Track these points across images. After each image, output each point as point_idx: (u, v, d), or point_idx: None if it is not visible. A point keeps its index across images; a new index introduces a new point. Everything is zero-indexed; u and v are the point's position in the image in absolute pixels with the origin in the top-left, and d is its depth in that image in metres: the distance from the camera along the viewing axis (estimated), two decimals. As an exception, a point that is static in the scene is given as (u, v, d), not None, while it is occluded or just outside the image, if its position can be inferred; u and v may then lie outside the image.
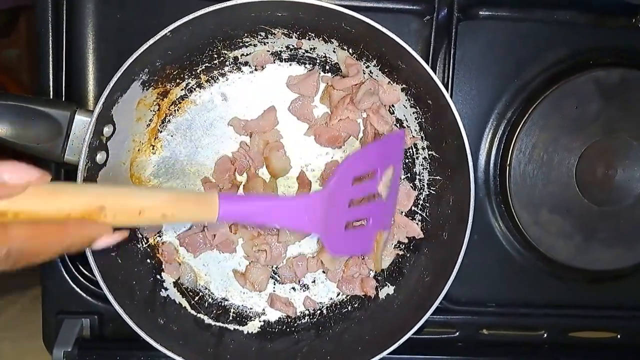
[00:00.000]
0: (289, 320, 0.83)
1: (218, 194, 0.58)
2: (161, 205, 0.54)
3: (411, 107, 0.78)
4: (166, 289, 0.81)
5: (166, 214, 0.54)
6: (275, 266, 0.82)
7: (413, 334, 0.74)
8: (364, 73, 0.78)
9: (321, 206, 0.65)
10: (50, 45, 0.76)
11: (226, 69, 0.78)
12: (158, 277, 0.80)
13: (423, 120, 0.78)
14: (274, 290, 0.83)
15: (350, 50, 0.76)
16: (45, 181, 0.49)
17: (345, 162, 0.67)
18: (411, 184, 0.81)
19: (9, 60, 1.26)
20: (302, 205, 0.64)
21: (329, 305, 0.83)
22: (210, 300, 0.82)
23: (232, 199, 0.62)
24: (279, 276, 0.82)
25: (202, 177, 0.80)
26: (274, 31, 0.75)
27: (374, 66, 0.77)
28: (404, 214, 0.81)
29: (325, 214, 0.66)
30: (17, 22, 1.26)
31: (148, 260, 0.80)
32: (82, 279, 0.82)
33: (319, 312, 0.83)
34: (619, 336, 0.89)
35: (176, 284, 0.81)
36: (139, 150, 0.78)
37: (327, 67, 0.79)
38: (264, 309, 0.83)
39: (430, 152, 0.79)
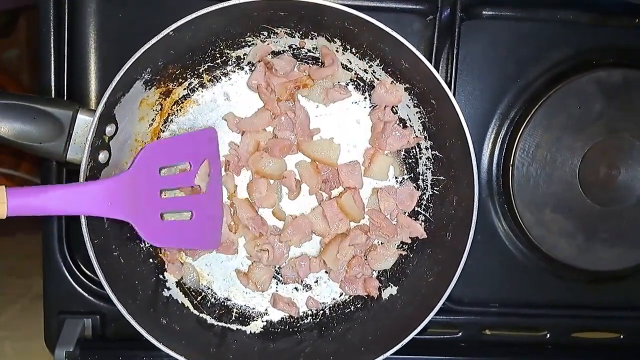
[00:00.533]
0: (292, 320, 0.83)
1: (5, 188, 0.59)
2: None
3: (414, 106, 0.78)
4: (169, 289, 0.80)
5: None
6: (277, 266, 0.82)
7: (416, 335, 0.74)
8: (367, 72, 0.78)
9: (123, 192, 0.66)
10: (52, 44, 0.76)
11: (229, 68, 0.78)
12: (160, 277, 0.80)
13: (426, 119, 0.78)
14: (276, 290, 0.83)
15: (354, 50, 0.76)
16: None
17: (146, 147, 0.70)
18: (414, 184, 0.81)
19: (9, 60, 1.26)
20: (99, 190, 0.65)
21: (331, 305, 0.83)
22: (212, 300, 0.82)
23: (22, 192, 0.61)
24: (281, 276, 0.82)
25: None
26: (276, 30, 0.75)
27: (377, 66, 0.77)
28: (407, 214, 0.81)
29: (132, 201, 0.67)
30: (16, 23, 1.26)
31: (150, 260, 0.80)
32: (83, 279, 0.82)
33: (321, 312, 0.83)
34: (622, 336, 0.89)
35: (179, 283, 0.81)
36: (141, 149, 0.77)
37: (330, 67, 0.79)
38: (266, 309, 0.83)
39: (433, 152, 0.79)
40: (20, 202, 0.59)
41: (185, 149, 0.74)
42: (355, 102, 0.80)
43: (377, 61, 0.76)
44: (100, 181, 0.68)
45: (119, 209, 0.66)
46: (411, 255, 0.82)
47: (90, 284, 0.82)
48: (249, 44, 0.76)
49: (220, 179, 0.79)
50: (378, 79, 0.78)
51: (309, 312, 0.83)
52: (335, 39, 0.75)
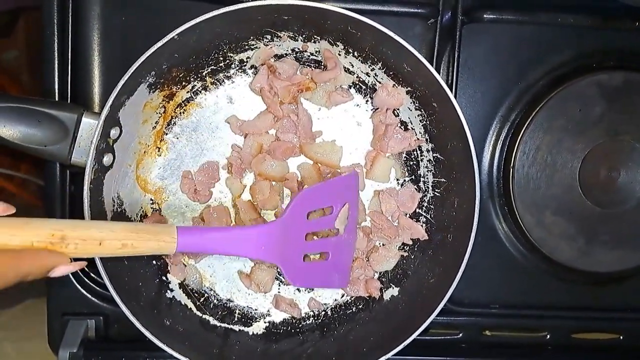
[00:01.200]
0: (294, 321, 0.83)
1: (177, 227, 0.62)
2: (121, 236, 0.58)
3: (416, 109, 0.78)
4: (172, 290, 0.81)
5: (126, 244, 0.58)
6: (279, 268, 0.83)
7: (417, 336, 0.74)
8: (369, 76, 0.79)
9: (276, 236, 0.71)
10: (56, 48, 0.77)
11: (232, 71, 0.79)
12: (164, 278, 0.81)
13: (428, 122, 0.78)
14: (278, 292, 0.83)
15: (356, 53, 0.76)
16: (9, 212, 0.54)
17: (299, 195, 0.73)
18: (416, 186, 0.82)
19: (9, 61, 1.26)
20: (256, 235, 0.70)
21: (333, 306, 0.84)
22: (215, 301, 0.83)
23: (190, 231, 0.66)
24: (283, 277, 0.83)
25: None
26: (279, 34, 0.75)
27: (379, 69, 0.77)
28: (408, 215, 0.82)
29: (281, 245, 0.71)
30: (16, 24, 1.26)
31: (154, 262, 0.80)
32: (87, 280, 0.82)
33: (323, 313, 0.84)
34: (621, 338, 0.89)
35: (182, 285, 0.81)
36: (144, 152, 0.78)
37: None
38: (268, 310, 0.83)
39: (434, 155, 0.79)
40: (188, 241, 0.64)
41: (331, 193, 0.77)
42: (357, 105, 0.80)
43: (379, 64, 0.77)
44: (258, 227, 0.72)
45: (271, 253, 0.71)
46: (412, 257, 0.82)
47: (93, 286, 0.82)
48: (253, 47, 0.77)
49: (356, 222, 0.81)
50: (380, 82, 0.78)
51: (311, 313, 0.84)
52: (338, 43, 0.76)
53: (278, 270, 0.83)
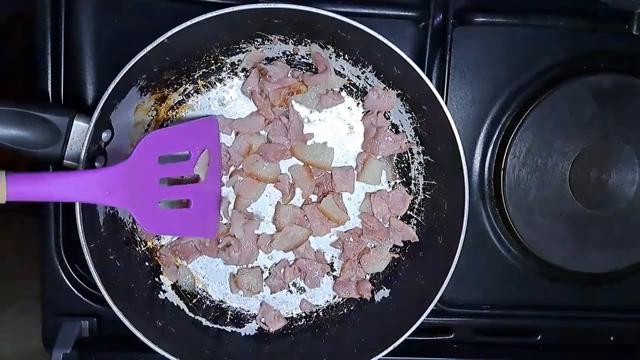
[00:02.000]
0: (286, 322, 0.83)
1: (5, 173, 0.60)
2: None
3: (406, 112, 0.79)
4: (164, 292, 0.81)
5: None
6: (267, 269, 0.83)
7: (408, 336, 0.75)
8: (359, 79, 0.79)
9: (122, 180, 0.67)
10: (49, 50, 0.77)
11: (223, 74, 0.79)
12: (156, 279, 0.81)
13: (418, 125, 0.78)
14: (270, 293, 0.83)
15: (347, 56, 0.77)
16: None
17: (145, 137, 0.70)
18: (407, 189, 0.82)
19: (6, 63, 1.26)
20: (98, 178, 0.66)
21: (325, 307, 0.84)
22: (208, 302, 0.83)
23: (21, 177, 0.62)
24: (270, 287, 0.83)
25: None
26: (270, 37, 0.76)
27: (369, 72, 0.77)
28: (399, 218, 0.82)
29: (130, 189, 0.68)
30: (14, 26, 1.26)
31: (146, 263, 0.81)
32: (81, 282, 0.83)
33: (315, 314, 0.84)
34: (612, 338, 0.90)
35: (174, 286, 0.82)
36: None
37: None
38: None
39: (425, 157, 0.80)
40: (20, 189, 0.61)
41: (186, 138, 0.74)
42: (349, 108, 0.81)
43: (370, 67, 0.77)
44: (100, 170, 0.69)
45: (117, 197, 0.67)
46: (403, 259, 0.83)
47: (87, 287, 0.83)
48: (244, 50, 0.77)
49: (220, 168, 0.79)
50: (371, 85, 0.79)
51: (303, 314, 0.84)
52: (329, 46, 0.76)
53: (262, 270, 0.83)
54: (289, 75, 0.79)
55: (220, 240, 0.81)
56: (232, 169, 0.81)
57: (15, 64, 1.26)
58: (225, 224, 0.81)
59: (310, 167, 0.81)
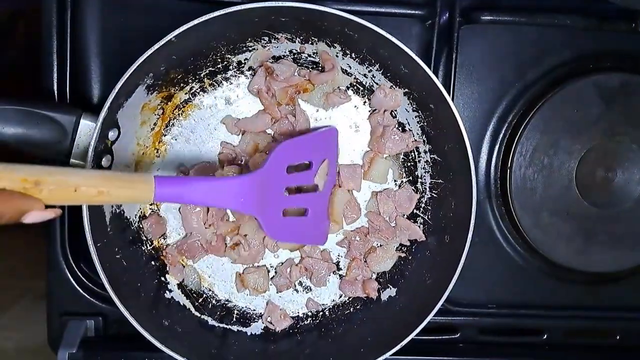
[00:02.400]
0: (292, 321, 0.83)
1: (155, 176, 0.61)
2: (97, 182, 0.57)
3: (413, 111, 0.79)
4: (170, 291, 0.81)
5: (102, 191, 0.57)
6: (273, 268, 0.83)
7: (414, 336, 0.75)
8: (366, 77, 0.79)
9: (256, 188, 0.69)
10: (55, 49, 0.77)
11: (230, 73, 0.79)
12: (162, 279, 0.81)
13: (425, 124, 0.78)
14: (276, 292, 0.83)
15: (354, 55, 0.77)
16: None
17: (279, 146, 0.71)
18: (413, 187, 0.82)
19: (8, 62, 1.26)
20: (236, 185, 0.67)
21: (331, 306, 0.84)
22: (214, 301, 0.83)
23: (168, 180, 0.64)
24: (276, 286, 0.83)
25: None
26: (277, 36, 0.75)
27: (376, 70, 0.77)
28: (405, 216, 0.82)
29: (260, 197, 0.70)
30: (16, 24, 1.26)
31: (152, 263, 0.81)
32: (86, 281, 0.83)
33: (321, 313, 0.84)
34: (618, 338, 0.90)
35: (180, 285, 0.82)
36: (143, 153, 0.78)
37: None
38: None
39: (432, 156, 0.80)
40: (166, 191, 0.62)
41: (310, 148, 0.76)
42: (355, 106, 0.81)
43: (377, 66, 0.77)
44: (238, 177, 0.70)
45: (250, 205, 0.69)
46: (410, 258, 0.83)
47: (92, 286, 0.83)
48: (250, 49, 0.77)
49: (335, 178, 0.80)
50: (377, 84, 0.79)
51: (309, 314, 0.84)
52: (336, 44, 0.76)
53: (268, 269, 0.83)
54: (296, 73, 0.79)
55: (229, 239, 0.81)
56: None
57: (16, 63, 1.26)
58: (232, 222, 0.81)
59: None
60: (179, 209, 0.81)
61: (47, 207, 0.54)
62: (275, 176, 0.72)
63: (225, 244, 0.82)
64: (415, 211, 0.82)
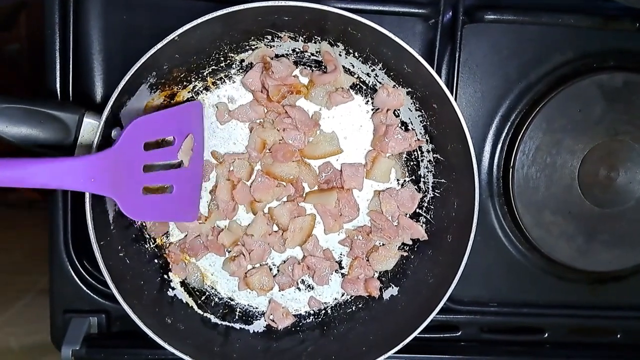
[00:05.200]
0: (294, 319, 0.84)
1: None
2: None
3: (416, 110, 0.79)
4: (173, 289, 0.81)
5: None
6: (276, 267, 0.84)
7: (416, 334, 0.75)
8: (369, 76, 0.79)
9: (108, 167, 0.66)
10: (58, 47, 0.77)
11: (232, 71, 0.79)
12: (165, 277, 0.81)
13: (428, 123, 0.78)
14: (279, 291, 0.83)
15: (356, 54, 0.76)
16: None
17: (131, 123, 0.68)
18: (416, 187, 0.82)
19: (10, 54, 1.26)
20: (85, 165, 0.64)
21: (333, 305, 0.84)
22: (216, 299, 0.83)
23: (4, 162, 0.60)
24: (279, 285, 0.83)
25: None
26: (280, 34, 0.75)
27: (379, 69, 0.77)
28: (408, 215, 0.82)
29: (115, 177, 0.67)
30: (18, 17, 1.26)
31: (155, 261, 0.81)
32: (89, 278, 0.83)
33: (323, 312, 0.84)
34: (619, 336, 0.90)
35: (183, 283, 0.82)
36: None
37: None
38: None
39: (435, 155, 0.80)
40: (3, 174, 0.59)
41: (171, 123, 0.74)
42: (358, 106, 0.81)
43: (380, 65, 0.77)
44: (84, 157, 0.66)
45: (101, 185, 0.66)
46: (412, 257, 0.83)
47: (95, 283, 0.83)
48: (253, 47, 0.77)
49: (202, 153, 0.79)
50: (380, 83, 0.79)
51: (311, 312, 0.84)
52: (338, 43, 0.76)
53: (270, 267, 0.83)
54: (298, 73, 0.79)
55: (230, 250, 0.81)
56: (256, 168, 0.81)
57: (18, 57, 1.26)
58: (233, 233, 0.81)
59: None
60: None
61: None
62: (130, 154, 0.69)
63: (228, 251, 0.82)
64: (417, 210, 0.82)
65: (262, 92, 0.78)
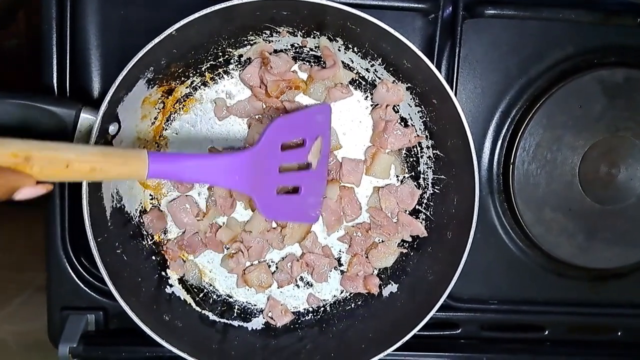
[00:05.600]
0: (293, 317, 0.83)
1: (148, 152, 0.60)
2: (89, 158, 0.55)
3: (416, 106, 0.78)
4: (171, 286, 0.81)
5: (95, 168, 0.55)
6: (274, 264, 0.83)
7: (416, 332, 0.75)
8: (368, 72, 0.78)
9: (250, 166, 0.68)
10: (55, 43, 0.76)
11: (231, 67, 0.78)
12: (163, 273, 0.81)
13: (428, 119, 0.78)
14: (277, 288, 0.83)
15: (356, 49, 0.76)
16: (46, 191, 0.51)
17: (273, 123, 0.70)
18: (415, 183, 0.81)
19: (9, 50, 1.26)
20: (230, 163, 0.67)
21: (332, 302, 0.84)
22: (214, 296, 0.83)
23: (161, 156, 0.63)
24: (277, 282, 0.83)
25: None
26: (278, 29, 0.75)
27: (379, 65, 0.77)
28: (407, 212, 0.82)
29: (255, 175, 0.69)
30: (16, 13, 1.26)
31: (153, 257, 0.80)
32: (86, 275, 0.83)
33: (322, 309, 0.84)
34: (619, 334, 0.90)
35: (181, 280, 0.82)
36: (144, 147, 0.78)
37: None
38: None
39: (434, 151, 0.79)
40: (160, 167, 0.60)
41: (304, 125, 0.75)
42: (357, 101, 0.80)
43: (379, 60, 0.76)
44: (233, 154, 0.68)
45: (244, 183, 0.68)
46: (412, 254, 0.82)
47: (93, 280, 0.82)
48: (252, 42, 0.76)
49: (329, 156, 0.79)
50: (380, 78, 0.78)
51: (310, 309, 0.84)
52: (338, 38, 0.75)
53: (269, 264, 0.83)
54: (297, 68, 0.78)
55: (228, 247, 0.81)
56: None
57: (17, 52, 1.26)
58: (231, 230, 0.81)
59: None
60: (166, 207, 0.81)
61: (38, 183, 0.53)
62: (269, 154, 0.71)
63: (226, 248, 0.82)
64: (417, 207, 0.82)
65: (260, 87, 0.78)
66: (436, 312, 0.75)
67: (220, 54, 0.76)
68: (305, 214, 0.78)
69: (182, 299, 0.81)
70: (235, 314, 0.83)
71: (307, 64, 0.78)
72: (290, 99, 0.79)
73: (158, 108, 0.77)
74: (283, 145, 0.73)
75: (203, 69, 0.77)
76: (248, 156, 0.68)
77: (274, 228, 0.81)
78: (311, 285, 0.84)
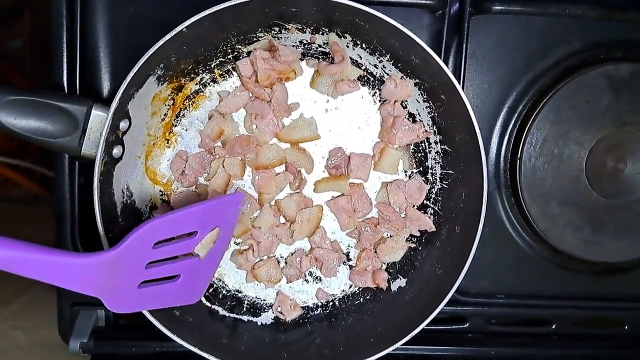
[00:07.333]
0: (302, 311, 0.84)
1: None
2: None
3: (424, 101, 0.78)
4: (181, 281, 0.81)
5: None
6: (283, 259, 0.84)
7: (424, 326, 0.75)
8: (377, 68, 0.79)
9: (105, 269, 0.61)
10: (65, 40, 0.77)
11: (240, 63, 0.79)
12: (173, 269, 0.81)
13: (436, 114, 0.78)
14: (286, 283, 0.84)
15: (364, 45, 0.76)
16: None
17: (142, 228, 0.63)
18: (424, 178, 0.82)
19: (13, 50, 1.26)
20: (78, 267, 0.59)
21: (341, 297, 0.85)
22: (224, 292, 0.83)
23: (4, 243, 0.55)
24: (286, 277, 0.83)
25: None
26: (287, 26, 0.75)
27: (387, 61, 0.77)
28: (416, 207, 0.82)
29: (109, 277, 0.62)
30: (21, 13, 1.26)
31: (163, 253, 0.81)
32: (97, 271, 0.83)
33: (331, 303, 0.84)
34: (626, 327, 0.90)
35: (191, 276, 0.82)
36: (153, 144, 0.78)
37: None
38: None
39: (442, 146, 0.80)
40: None
41: (196, 218, 0.68)
42: (365, 97, 0.80)
43: (387, 56, 0.77)
44: (84, 257, 0.60)
45: (92, 286, 0.61)
46: (420, 248, 0.83)
47: (103, 276, 0.83)
48: (261, 39, 0.77)
49: (227, 246, 0.75)
50: (388, 74, 0.78)
51: (319, 304, 0.84)
52: (346, 35, 0.76)
53: (278, 260, 0.83)
54: (304, 63, 0.79)
55: (240, 241, 0.81)
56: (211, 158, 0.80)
57: (22, 53, 1.26)
58: (243, 224, 0.81)
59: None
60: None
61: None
62: (135, 254, 0.63)
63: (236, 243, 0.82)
64: (425, 202, 0.82)
65: (250, 78, 0.78)
66: (444, 306, 0.75)
67: (230, 50, 0.77)
68: (182, 298, 0.73)
69: (192, 294, 0.82)
70: (244, 309, 0.83)
71: (315, 60, 0.79)
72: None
73: (168, 104, 0.78)
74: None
75: (212, 65, 0.78)
76: (102, 260, 0.61)
77: (283, 223, 0.82)
78: (320, 280, 0.84)
